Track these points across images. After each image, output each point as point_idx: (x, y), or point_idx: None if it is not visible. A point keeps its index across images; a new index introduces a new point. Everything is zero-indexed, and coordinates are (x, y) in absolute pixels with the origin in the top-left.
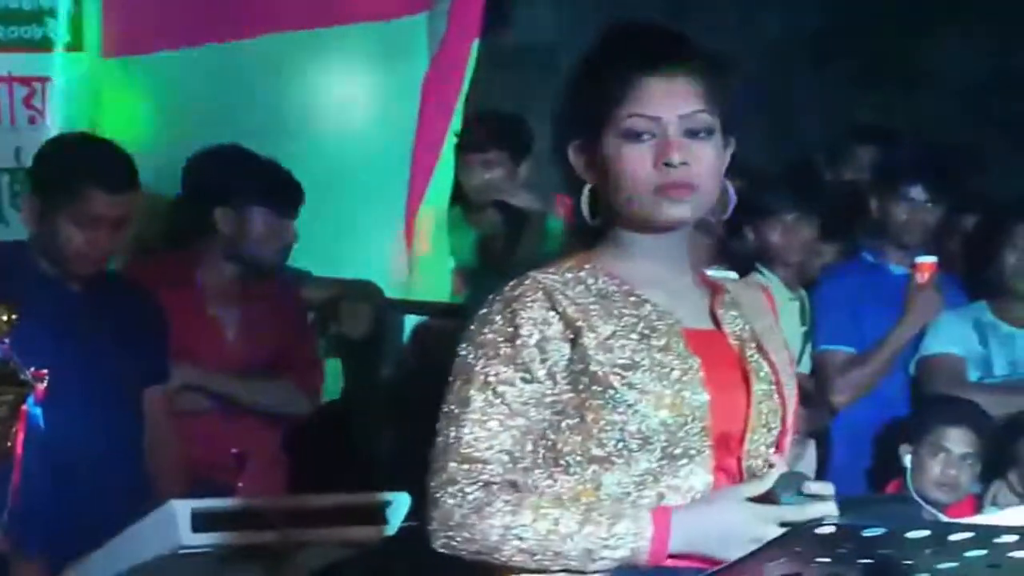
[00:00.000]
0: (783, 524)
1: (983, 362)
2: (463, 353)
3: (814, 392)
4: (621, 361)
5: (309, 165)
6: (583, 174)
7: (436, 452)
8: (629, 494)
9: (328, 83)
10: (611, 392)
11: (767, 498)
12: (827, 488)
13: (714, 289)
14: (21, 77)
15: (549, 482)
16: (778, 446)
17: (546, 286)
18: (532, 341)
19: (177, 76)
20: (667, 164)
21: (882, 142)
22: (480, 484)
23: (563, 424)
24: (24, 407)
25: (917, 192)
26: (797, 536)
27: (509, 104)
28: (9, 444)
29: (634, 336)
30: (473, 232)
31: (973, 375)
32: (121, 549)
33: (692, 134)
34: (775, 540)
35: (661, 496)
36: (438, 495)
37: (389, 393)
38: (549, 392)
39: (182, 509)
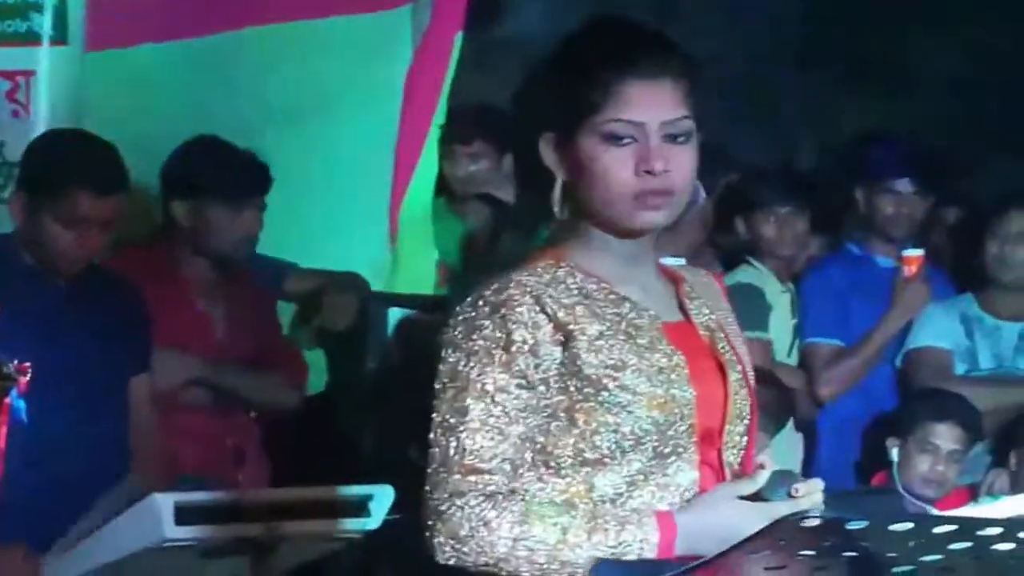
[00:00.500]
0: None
1: (969, 355)
2: (452, 360)
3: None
4: (611, 362)
5: (293, 157)
6: (553, 167)
7: (435, 464)
8: (621, 494)
9: (312, 75)
10: (604, 394)
11: (758, 497)
12: (817, 486)
13: (674, 279)
14: (4, 71)
15: (540, 485)
16: (748, 436)
17: (532, 289)
18: (527, 347)
19: (161, 69)
20: (648, 172)
21: (869, 137)
22: (486, 496)
23: (552, 427)
24: (7, 400)
25: (903, 185)
26: (781, 529)
27: (494, 96)
28: None
29: (620, 336)
30: (458, 224)
31: (959, 368)
32: (104, 542)
33: (672, 139)
34: (759, 532)
35: (652, 494)
36: (443, 508)
37: (373, 386)
38: (543, 397)
39: (165, 502)
